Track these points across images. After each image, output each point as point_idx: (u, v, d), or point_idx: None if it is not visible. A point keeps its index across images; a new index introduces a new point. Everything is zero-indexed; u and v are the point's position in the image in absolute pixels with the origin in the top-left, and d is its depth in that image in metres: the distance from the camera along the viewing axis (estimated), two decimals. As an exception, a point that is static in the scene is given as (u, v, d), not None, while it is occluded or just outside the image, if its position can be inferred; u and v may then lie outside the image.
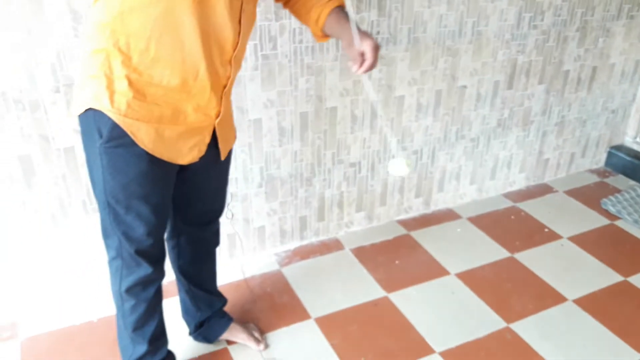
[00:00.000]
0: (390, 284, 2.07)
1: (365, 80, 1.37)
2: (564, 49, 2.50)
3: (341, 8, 1.36)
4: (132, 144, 1.21)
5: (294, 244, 2.28)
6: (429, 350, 1.78)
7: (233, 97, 1.45)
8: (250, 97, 1.91)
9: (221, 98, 1.29)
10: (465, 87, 2.33)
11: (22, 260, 1.82)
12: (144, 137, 1.22)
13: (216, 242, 1.67)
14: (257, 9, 1.78)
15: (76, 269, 1.91)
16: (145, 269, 1.40)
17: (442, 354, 1.77)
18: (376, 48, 1.28)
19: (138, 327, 1.49)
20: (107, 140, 1.22)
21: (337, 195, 2.27)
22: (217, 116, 1.30)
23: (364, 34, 1.29)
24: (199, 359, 1.73)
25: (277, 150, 2.05)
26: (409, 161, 1.41)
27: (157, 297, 1.50)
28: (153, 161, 1.25)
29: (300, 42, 1.90)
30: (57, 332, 1.83)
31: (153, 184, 1.30)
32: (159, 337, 1.55)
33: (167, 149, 1.26)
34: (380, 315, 1.93)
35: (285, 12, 1.83)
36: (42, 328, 1.84)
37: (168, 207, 1.41)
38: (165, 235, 1.55)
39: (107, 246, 1.40)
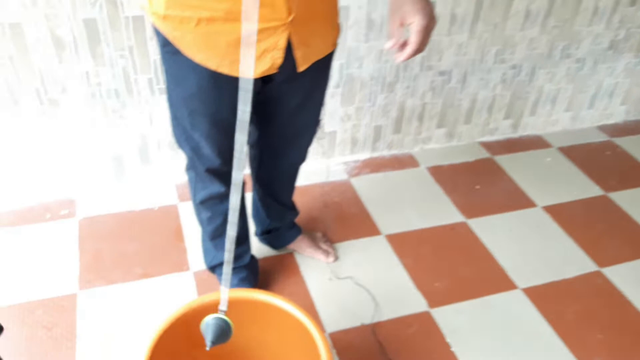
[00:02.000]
0: (470, 210, 1.88)
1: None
2: None
3: None
4: None
5: (364, 155, 2.10)
6: (511, 285, 1.62)
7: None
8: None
9: None
10: (584, -4, 2.00)
11: (83, 136, 1.70)
12: (192, 47, 0.99)
13: (302, 159, 1.44)
14: None
15: (139, 152, 1.79)
16: (218, 187, 1.27)
17: (525, 290, 1.60)
18: (426, 28, 0.92)
19: (216, 236, 1.40)
20: (163, 44, 1.03)
21: (419, 107, 2.05)
22: (289, 14, 0.98)
23: (417, 3, 0.92)
24: (263, 259, 1.63)
25: (362, 46, 1.82)
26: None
27: None
28: (217, 73, 1.02)
29: None
30: (116, 215, 1.75)
31: (219, 102, 1.08)
32: (240, 244, 1.43)
33: (226, 60, 1.00)
34: (458, 240, 1.76)
35: None
36: (100, 209, 1.76)
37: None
38: (248, 140, 1.38)
39: (183, 153, 1.25)
